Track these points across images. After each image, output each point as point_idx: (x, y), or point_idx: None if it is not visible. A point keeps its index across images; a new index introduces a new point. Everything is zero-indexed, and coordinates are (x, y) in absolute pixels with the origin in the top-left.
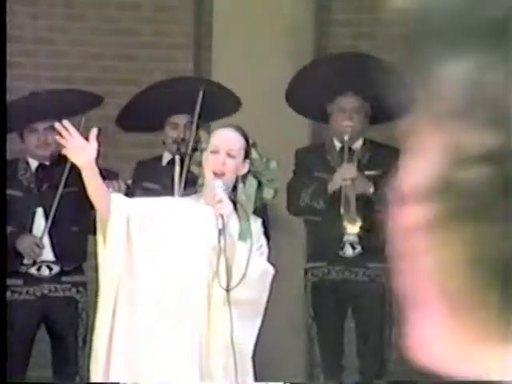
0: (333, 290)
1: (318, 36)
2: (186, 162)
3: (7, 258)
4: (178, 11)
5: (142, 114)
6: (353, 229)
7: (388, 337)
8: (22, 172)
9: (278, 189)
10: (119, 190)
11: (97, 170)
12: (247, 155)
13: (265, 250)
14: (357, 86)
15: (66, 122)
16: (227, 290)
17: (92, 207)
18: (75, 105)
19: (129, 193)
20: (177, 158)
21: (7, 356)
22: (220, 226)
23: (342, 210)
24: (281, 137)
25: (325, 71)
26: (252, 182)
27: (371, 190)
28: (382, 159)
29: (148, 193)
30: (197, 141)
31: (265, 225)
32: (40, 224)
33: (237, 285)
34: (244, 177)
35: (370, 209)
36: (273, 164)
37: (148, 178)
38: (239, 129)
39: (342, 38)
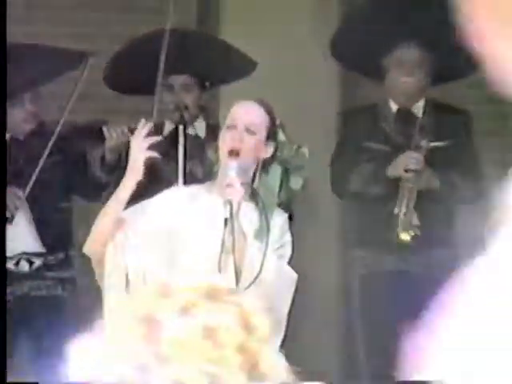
0: (387, 282)
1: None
2: (191, 132)
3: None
4: None
5: (130, 71)
6: (405, 235)
7: None
8: None
9: (308, 179)
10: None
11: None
12: (271, 137)
13: (287, 250)
14: (418, 34)
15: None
16: None
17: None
18: (55, 65)
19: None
20: (180, 128)
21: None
22: (227, 215)
23: (396, 210)
24: (304, 117)
25: (379, 16)
26: (276, 170)
27: (437, 184)
28: (449, 126)
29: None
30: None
31: (291, 220)
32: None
33: (246, 288)
34: (266, 163)
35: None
36: (304, 150)
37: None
38: (264, 103)
39: None
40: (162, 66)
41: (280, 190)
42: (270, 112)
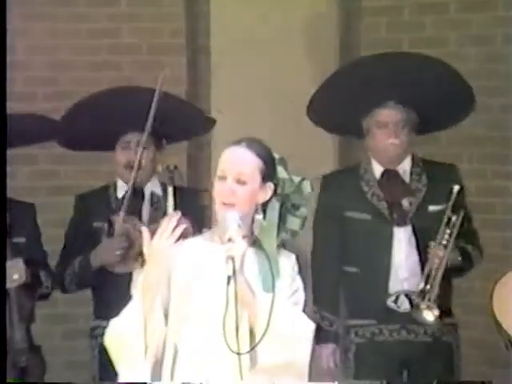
0: (384, 353)
1: (343, 27)
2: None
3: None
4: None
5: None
6: (429, 315)
7: None
8: None
9: (306, 218)
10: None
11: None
12: (268, 178)
13: (300, 297)
14: (400, 93)
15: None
16: (238, 354)
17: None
18: (31, 132)
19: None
20: (169, 189)
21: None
22: (230, 272)
23: (420, 285)
24: (297, 152)
25: (357, 77)
26: (274, 208)
27: (459, 259)
28: (442, 185)
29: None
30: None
31: (299, 261)
32: None
33: (253, 347)
34: (266, 204)
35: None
36: (306, 185)
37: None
38: (254, 145)
39: (375, 30)
40: (149, 124)
41: (279, 229)
42: (262, 153)
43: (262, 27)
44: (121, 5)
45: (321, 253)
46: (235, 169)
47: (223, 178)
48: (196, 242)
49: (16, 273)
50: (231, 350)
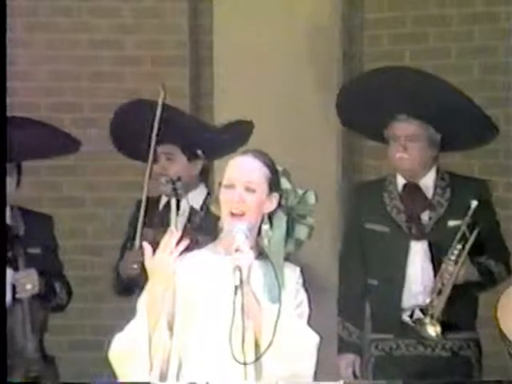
0: (402, 367)
1: (345, 39)
2: (183, 206)
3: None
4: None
5: (124, 137)
6: (432, 331)
7: None
8: None
9: (313, 228)
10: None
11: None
12: (274, 188)
13: (304, 309)
14: (413, 107)
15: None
16: (244, 364)
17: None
18: (42, 146)
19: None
20: (173, 201)
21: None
22: (237, 282)
23: (427, 300)
24: (300, 162)
25: (378, 87)
26: (281, 220)
27: (476, 275)
28: (466, 200)
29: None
30: None
31: (303, 275)
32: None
33: (259, 357)
34: (272, 214)
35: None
36: (310, 196)
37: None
38: (260, 155)
39: (377, 42)
40: (153, 135)
41: (286, 241)
42: (267, 163)
43: (264, 39)
44: (124, 16)
45: (345, 264)
46: (244, 177)
47: (231, 186)
48: (200, 254)
49: (29, 283)
50: (237, 360)
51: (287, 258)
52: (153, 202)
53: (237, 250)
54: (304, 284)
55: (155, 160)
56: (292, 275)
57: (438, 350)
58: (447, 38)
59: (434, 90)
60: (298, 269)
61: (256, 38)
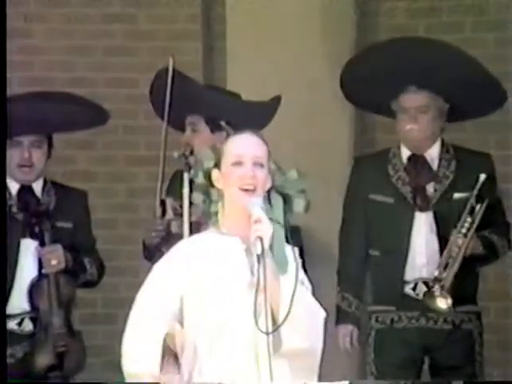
0: (404, 340)
1: (360, 12)
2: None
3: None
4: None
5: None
6: (442, 303)
7: None
8: None
9: (310, 202)
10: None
11: None
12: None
13: (308, 285)
14: (422, 78)
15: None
16: (267, 334)
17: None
18: (74, 119)
19: None
20: (186, 175)
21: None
22: (258, 251)
23: (436, 272)
24: (312, 139)
25: (386, 59)
26: (278, 199)
27: (481, 248)
28: (471, 173)
29: None
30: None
31: (302, 255)
32: (28, 260)
33: (277, 327)
34: (269, 193)
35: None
36: (292, 174)
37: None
38: (258, 133)
39: (392, 15)
40: (167, 106)
41: (285, 220)
42: (264, 140)
43: (277, 12)
44: None
45: (347, 234)
46: (252, 152)
47: (239, 163)
48: (205, 237)
49: (54, 258)
50: (260, 330)
51: (286, 240)
52: (178, 173)
53: (256, 222)
54: (303, 264)
55: (184, 130)
56: (292, 255)
57: (440, 323)
58: (461, 11)
59: (445, 59)
60: (296, 249)
61: (269, 10)
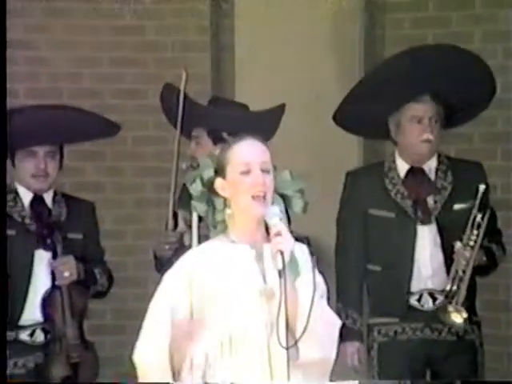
0: (407, 352)
1: (367, 23)
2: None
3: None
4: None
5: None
6: (457, 318)
7: None
8: (11, 204)
9: (307, 203)
10: None
11: None
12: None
13: (324, 289)
14: (435, 86)
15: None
16: (287, 349)
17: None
18: (85, 130)
19: None
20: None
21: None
22: (279, 267)
23: (448, 286)
24: (321, 149)
25: (392, 71)
26: (279, 199)
27: (484, 259)
28: (467, 183)
29: None
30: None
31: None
32: (41, 271)
33: (296, 342)
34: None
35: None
36: (285, 174)
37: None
38: (257, 138)
39: (399, 25)
40: (179, 117)
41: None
42: (266, 144)
43: (286, 23)
44: (145, 2)
45: (345, 251)
46: (259, 158)
47: (247, 171)
48: (213, 245)
49: (67, 270)
50: (281, 344)
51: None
52: None
53: (277, 235)
54: (317, 263)
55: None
56: (302, 255)
57: (445, 334)
58: (470, 21)
59: (450, 65)
60: (305, 246)
61: (277, 22)
